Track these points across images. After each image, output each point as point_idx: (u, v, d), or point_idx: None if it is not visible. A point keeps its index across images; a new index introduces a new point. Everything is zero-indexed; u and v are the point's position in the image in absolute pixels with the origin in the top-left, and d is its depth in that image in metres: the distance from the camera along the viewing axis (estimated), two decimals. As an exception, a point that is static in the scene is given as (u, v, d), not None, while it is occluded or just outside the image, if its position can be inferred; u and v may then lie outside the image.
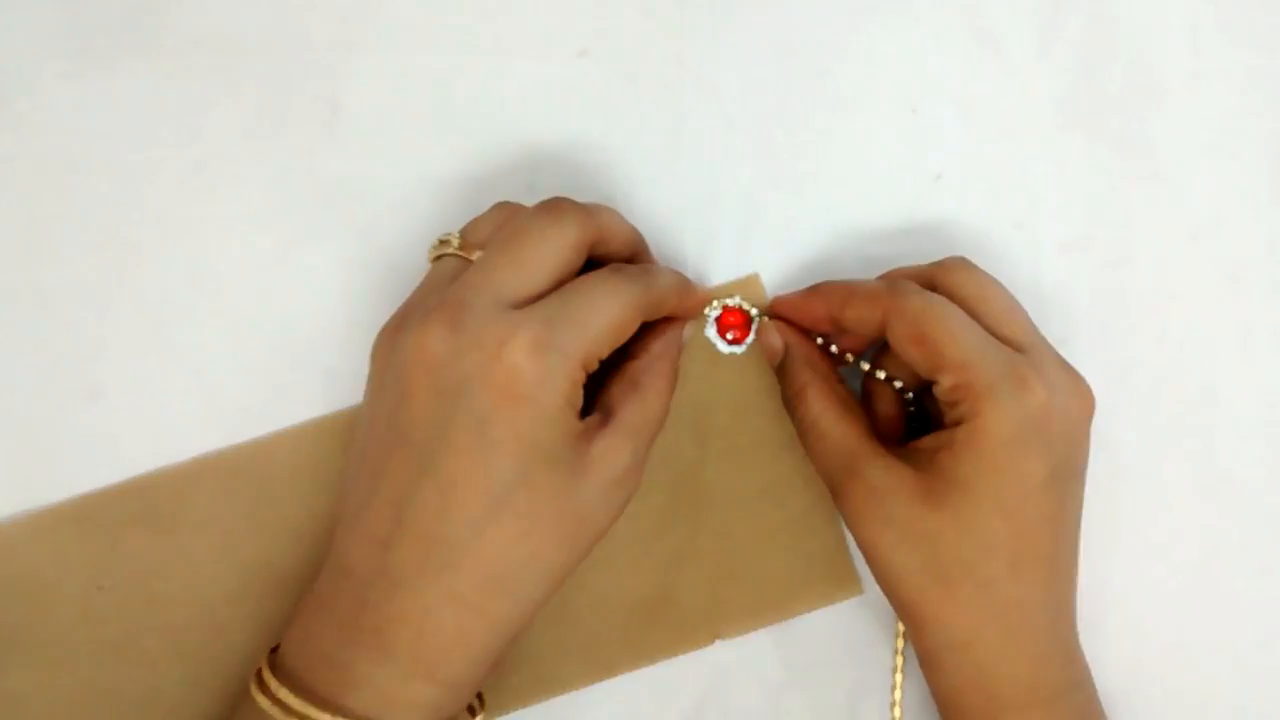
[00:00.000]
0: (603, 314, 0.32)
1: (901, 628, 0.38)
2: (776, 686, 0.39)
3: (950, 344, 0.33)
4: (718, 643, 0.39)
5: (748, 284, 0.40)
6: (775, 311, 0.38)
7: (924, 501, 0.33)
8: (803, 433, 0.36)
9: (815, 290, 0.37)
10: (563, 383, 0.31)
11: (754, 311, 0.38)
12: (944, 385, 0.33)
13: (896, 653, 0.39)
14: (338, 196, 0.40)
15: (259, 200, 0.39)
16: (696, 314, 0.38)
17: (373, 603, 0.31)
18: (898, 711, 0.38)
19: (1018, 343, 0.34)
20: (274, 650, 0.33)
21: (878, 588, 0.35)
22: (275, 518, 0.38)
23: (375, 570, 0.31)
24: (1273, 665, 0.40)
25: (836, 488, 0.35)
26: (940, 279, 0.35)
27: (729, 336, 0.38)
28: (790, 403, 0.37)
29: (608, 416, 0.33)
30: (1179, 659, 0.40)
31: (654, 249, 0.38)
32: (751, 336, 0.38)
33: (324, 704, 0.31)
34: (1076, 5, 0.42)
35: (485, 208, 0.36)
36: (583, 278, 0.33)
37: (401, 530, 0.31)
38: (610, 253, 0.35)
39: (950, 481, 0.32)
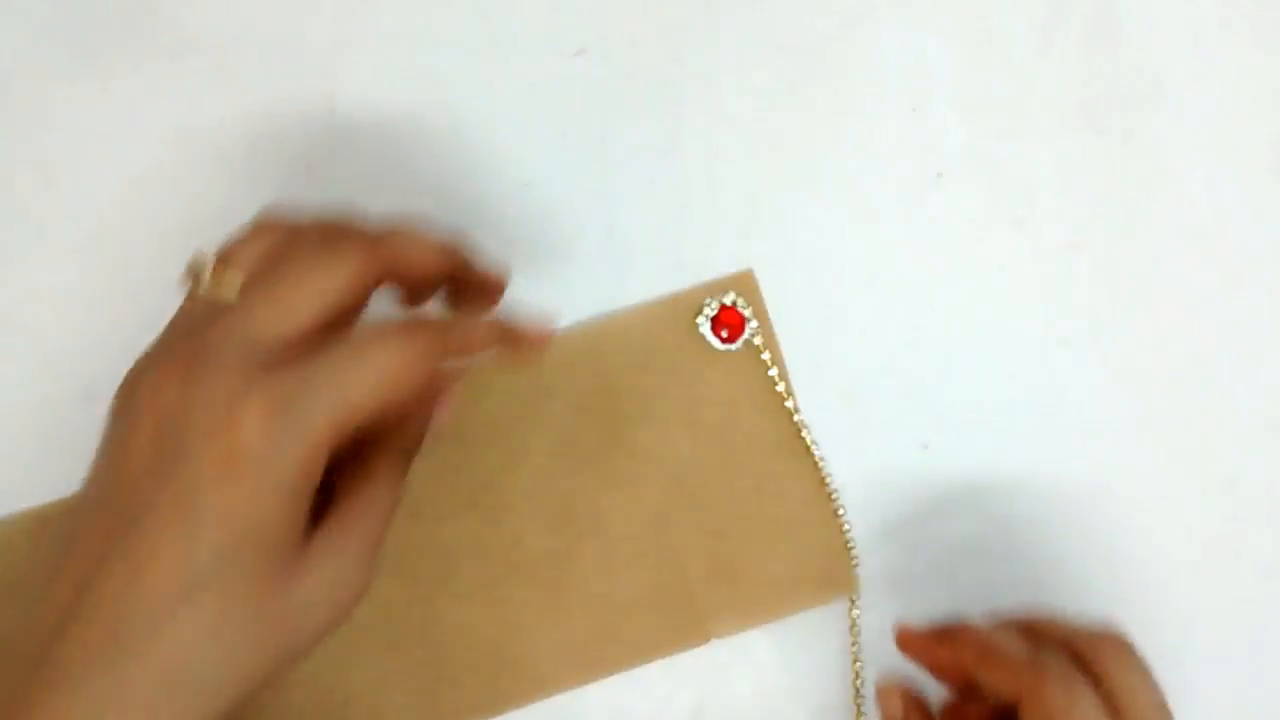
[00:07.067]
0: (366, 378, 0.27)
1: (853, 610, 0.38)
2: (775, 686, 0.39)
3: None
4: (714, 641, 0.39)
5: (741, 280, 0.40)
6: (901, 645, 0.34)
7: None
8: None
9: (949, 636, 0.33)
10: (295, 457, 0.26)
11: (748, 313, 0.38)
12: None
13: (851, 626, 0.38)
14: (335, 197, 0.40)
15: (254, 200, 0.39)
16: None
17: (21, 699, 0.26)
18: (856, 697, 0.38)
19: None
20: None
21: (876, 585, 0.34)
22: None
23: (38, 658, 0.26)
24: (1270, 661, 0.40)
25: None
26: (1091, 658, 0.31)
27: (723, 334, 0.38)
28: None
29: (331, 506, 0.28)
30: (1175, 657, 0.40)
31: (653, 248, 0.38)
32: (744, 335, 0.38)
33: None
34: (1078, 4, 0.41)
35: (483, 206, 0.35)
36: (356, 329, 0.28)
37: (76, 613, 0.26)
38: (411, 282, 0.31)
39: None
